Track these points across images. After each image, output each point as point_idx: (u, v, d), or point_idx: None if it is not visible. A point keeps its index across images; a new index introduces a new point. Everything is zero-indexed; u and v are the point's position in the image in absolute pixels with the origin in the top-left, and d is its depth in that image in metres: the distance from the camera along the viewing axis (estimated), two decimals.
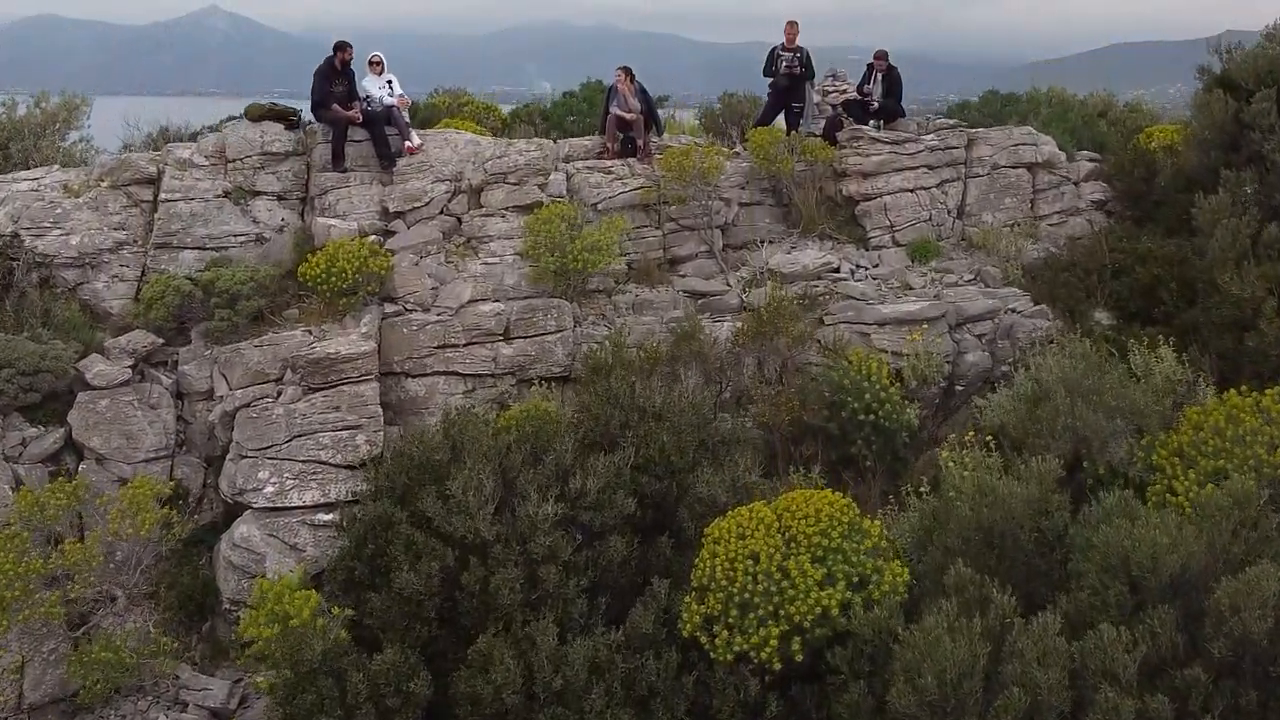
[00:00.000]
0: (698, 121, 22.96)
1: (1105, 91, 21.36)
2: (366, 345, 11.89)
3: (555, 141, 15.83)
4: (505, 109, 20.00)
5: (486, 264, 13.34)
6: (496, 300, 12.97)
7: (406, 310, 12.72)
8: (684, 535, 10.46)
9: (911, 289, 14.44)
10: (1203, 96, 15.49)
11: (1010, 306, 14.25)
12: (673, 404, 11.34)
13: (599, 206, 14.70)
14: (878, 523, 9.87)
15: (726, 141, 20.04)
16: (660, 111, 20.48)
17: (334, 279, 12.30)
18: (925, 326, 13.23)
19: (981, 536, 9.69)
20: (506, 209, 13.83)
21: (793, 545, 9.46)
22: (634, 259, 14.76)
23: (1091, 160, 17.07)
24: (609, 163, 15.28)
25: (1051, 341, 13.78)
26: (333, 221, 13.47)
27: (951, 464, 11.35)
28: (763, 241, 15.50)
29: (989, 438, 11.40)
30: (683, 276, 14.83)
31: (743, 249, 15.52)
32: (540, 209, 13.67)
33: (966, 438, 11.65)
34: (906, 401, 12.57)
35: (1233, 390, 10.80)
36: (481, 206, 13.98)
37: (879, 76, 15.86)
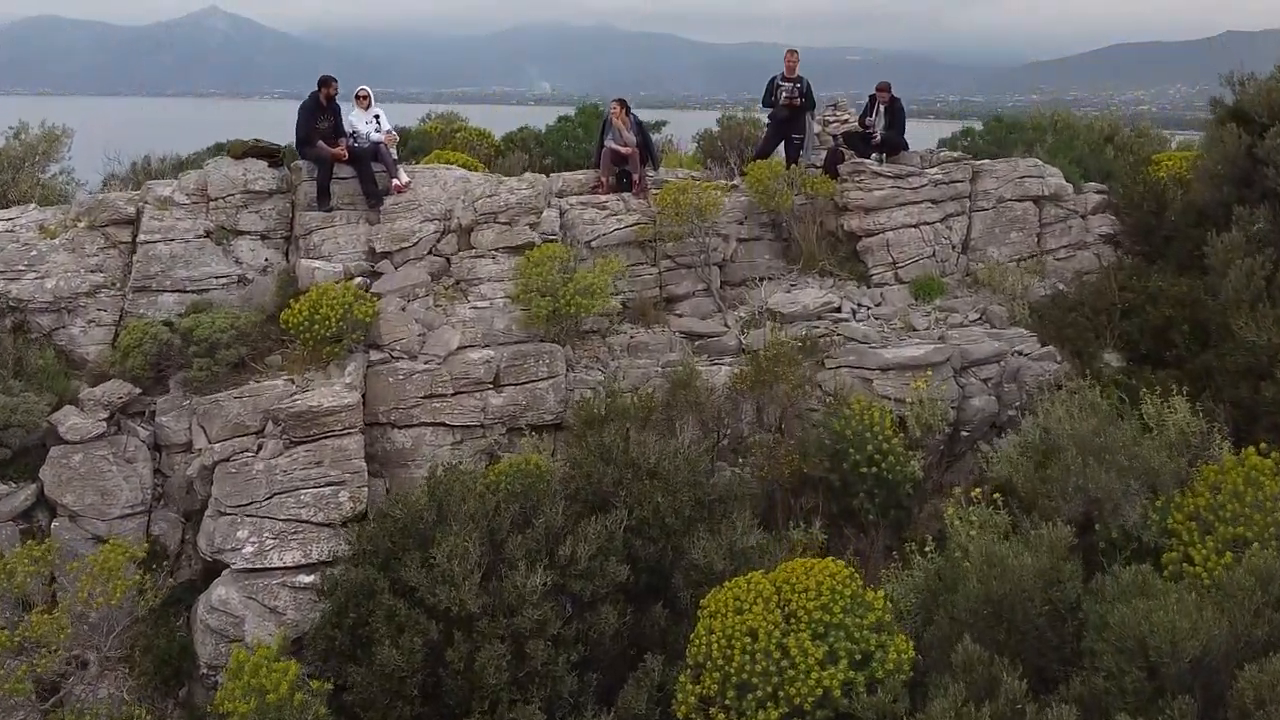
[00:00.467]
0: (696, 143, 22.57)
1: (1111, 110, 20.88)
2: (350, 397, 11.45)
3: (548, 175, 15.39)
4: (498, 135, 19.54)
5: (476, 308, 12.91)
6: (486, 346, 12.54)
7: (393, 358, 12.28)
8: (679, 604, 10.03)
9: (915, 330, 14.01)
10: (1214, 129, 15.06)
11: (1017, 349, 13.83)
12: (668, 460, 10.92)
13: (593, 244, 14.28)
14: (880, 593, 9.43)
15: (725, 168, 19.64)
16: (656, 137, 20.15)
17: (317, 327, 11.86)
18: (929, 373, 12.79)
19: (990, 610, 9.26)
20: (497, 250, 13.40)
21: (793, 621, 9.03)
22: (629, 297, 14.34)
23: (1099, 192, 16.64)
24: (603, 198, 14.86)
25: (1060, 387, 13.38)
26: (317, 263, 13.04)
27: (957, 521, 10.94)
28: (762, 279, 15.07)
29: (996, 495, 11.00)
30: (679, 316, 14.41)
31: (741, 286, 15.09)
32: (532, 250, 13.23)
33: (973, 494, 11.23)
34: (910, 452, 12.14)
35: (1251, 449, 10.37)
36: (471, 247, 13.55)
37: (881, 108, 15.42)
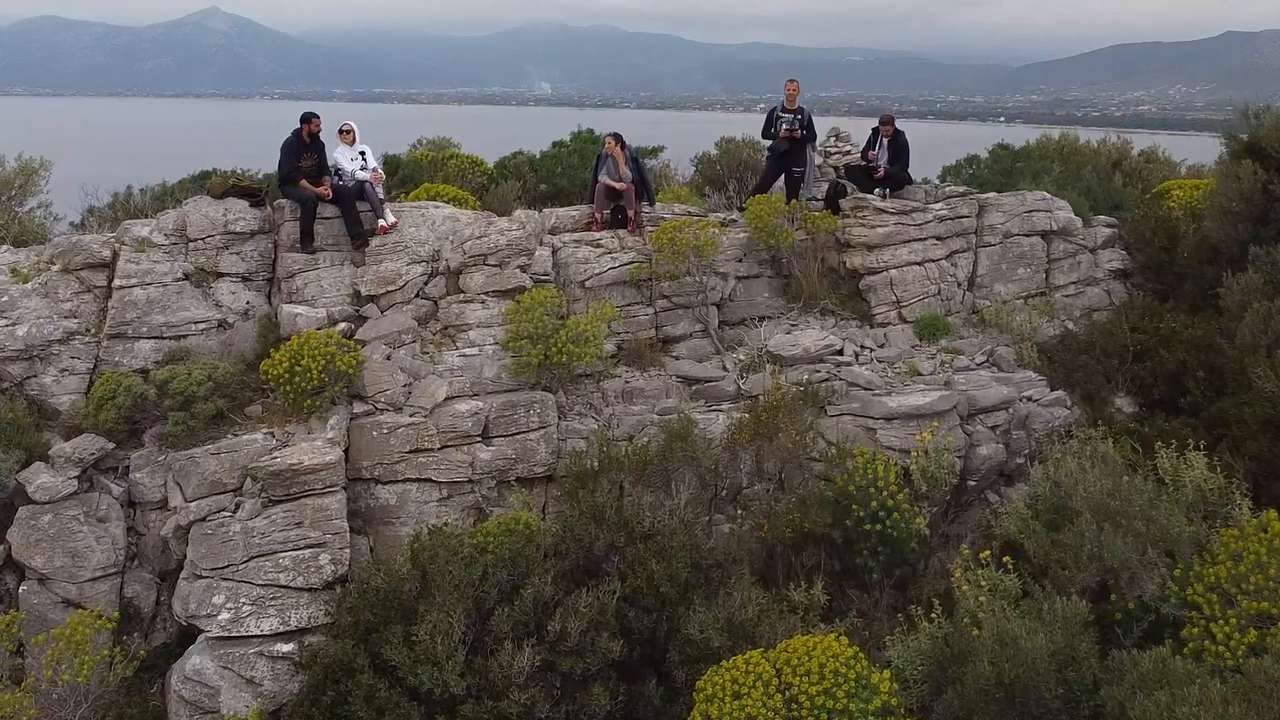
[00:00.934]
0: (695, 166, 22.09)
1: (1120, 140, 20.40)
2: (332, 454, 10.98)
3: (540, 211, 14.91)
4: (492, 159, 19.05)
5: (464, 355, 12.43)
6: (475, 396, 12.06)
7: (377, 410, 11.80)
8: (674, 681, 9.56)
9: (920, 374, 13.52)
10: (1230, 165, 14.57)
11: (1025, 394, 13.36)
12: (663, 521, 10.44)
13: (587, 284, 13.81)
14: (886, 674, 8.96)
15: (723, 195, 19.17)
16: (651, 163, 19.67)
17: (298, 379, 11.38)
18: (936, 424, 12.31)
19: (1002, 693, 8.78)
20: (487, 293, 12.91)
21: (794, 707, 8.57)
22: (624, 338, 13.87)
23: (1109, 225, 16.15)
24: (597, 235, 14.38)
25: (1070, 433, 12.92)
26: (300, 309, 12.57)
27: (965, 585, 10.48)
28: (761, 318, 14.61)
29: (1006, 558, 10.52)
30: (676, 358, 13.93)
31: (740, 325, 14.62)
32: (522, 295, 12.75)
33: (982, 555, 10.76)
34: (916, 505, 11.66)
35: (1271, 513, 9.89)
36: (460, 291, 13.06)
37: (884, 142, 14.92)
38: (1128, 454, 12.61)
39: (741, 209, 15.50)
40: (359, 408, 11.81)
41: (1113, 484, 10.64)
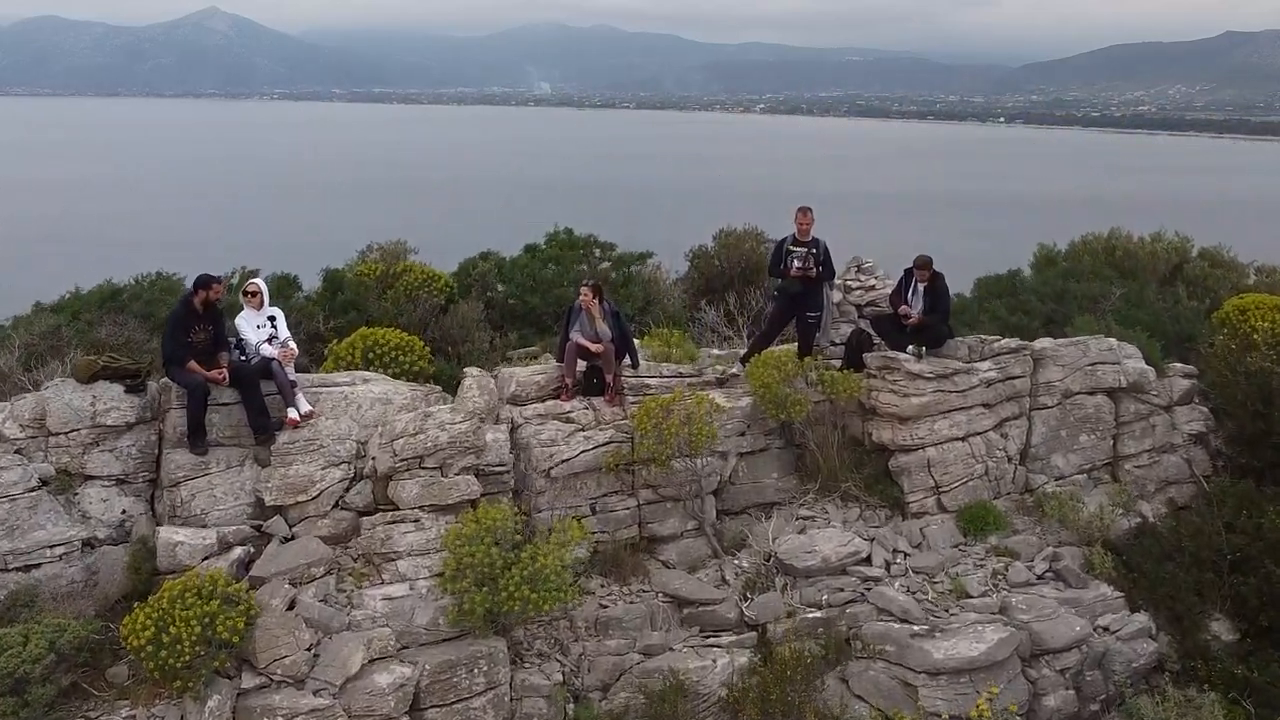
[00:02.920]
0: (690, 261, 19.38)
1: (1178, 237, 17.69)
2: None
3: (498, 372, 12.22)
4: (449, 271, 16.36)
5: (390, 598, 9.73)
6: (401, 659, 9.37)
7: (272, 683, 9.10)
8: None
9: (969, 596, 10.83)
10: None
11: (1100, 621, 10.71)
12: None
13: (553, 473, 11.13)
14: None
15: (721, 312, 16.48)
16: (638, 269, 17.01)
17: (165, 654, 8.69)
18: (995, 689, 9.63)
19: None
20: (423, 508, 10.20)
21: None
22: (600, 538, 11.20)
23: (1187, 376, 13.42)
24: (568, 406, 11.70)
25: (1162, 668, 10.31)
26: (181, 535, 9.87)
27: None
28: (770, 505, 11.93)
29: None
30: (664, 566, 11.26)
31: (744, 514, 11.95)
32: (465, 512, 10.06)
33: None
34: None
35: None
36: (390, 503, 10.36)
37: (920, 287, 12.18)
38: (1232, 709, 10.01)
39: (744, 360, 12.79)
40: (249, 680, 9.09)
41: None
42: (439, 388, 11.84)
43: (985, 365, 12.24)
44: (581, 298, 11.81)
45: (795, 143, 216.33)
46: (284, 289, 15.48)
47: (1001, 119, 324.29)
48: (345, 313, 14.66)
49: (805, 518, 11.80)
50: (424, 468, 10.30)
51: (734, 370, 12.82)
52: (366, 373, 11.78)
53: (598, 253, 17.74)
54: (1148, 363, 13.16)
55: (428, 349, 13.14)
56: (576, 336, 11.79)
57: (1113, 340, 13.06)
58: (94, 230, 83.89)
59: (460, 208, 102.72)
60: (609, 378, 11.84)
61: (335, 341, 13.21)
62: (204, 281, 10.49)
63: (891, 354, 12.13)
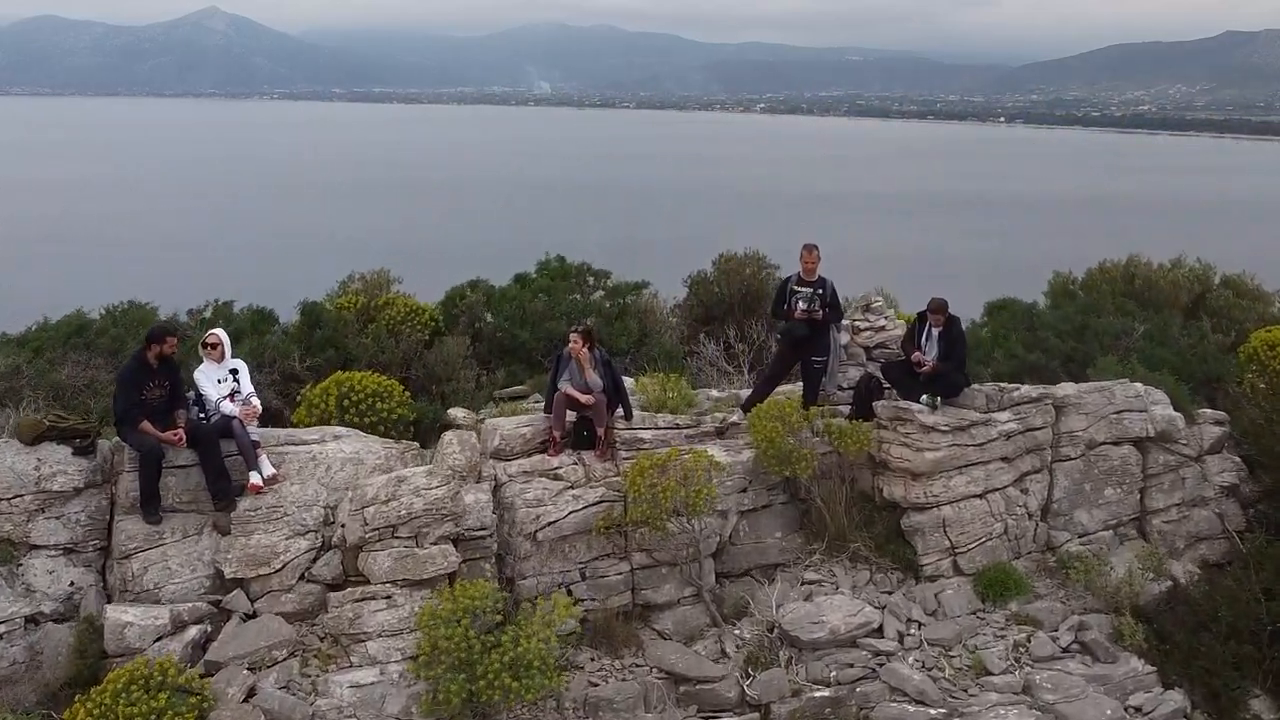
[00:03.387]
0: (687, 286, 18.54)
1: (1200, 264, 16.86)
2: None
3: (480, 425, 11.40)
4: (436, 301, 15.53)
5: (359, 685, 8.90)
6: None
7: None
8: None
9: (990, 672, 9.99)
10: None
11: (1131, 700, 9.87)
12: None
13: (539, 536, 10.31)
14: None
15: (721, 346, 15.66)
16: (633, 299, 16.20)
17: None
18: None
19: None
20: (395, 582, 9.37)
21: None
22: (590, 606, 10.38)
23: (1217, 423, 12.59)
24: (555, 462, 10.88)
25: None
26: (130, 614, 9.06)
27: None
28: (773, 567, 11.11)
29: None
30: (658, 636, 10.44)
31: (745, 577, 11.12)
32: (442, 588, 9.23)
33: None
34: None
35: None
36: (360, 576, 9.53)
37: (934, 333, 11.34)
38: None
39: (745, 408, 11.96)
40: None
41: None
42: (416, 444, 11.03)
43: (1004, 416, 11.40)
44: (571, 345, 10.98)
45: (795, 143, 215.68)
46: (259, 324, 14.64)
47: (1002, 119, 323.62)
48: (323, 350, 13.81)
49: (811, 582, 10.97)
50: (397, 537, 9.47)
51: (734, 418, 11.98)
52: (337, 428, 10.94)
53: (591, 280, 16.91)
54: (1176, 408, 12.33)
55: (407, 394, 12.30)
56: (565, 386, 10.96)
57: (1139, 385, 12.23)
58: (94, 230, 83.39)
59: (460, 208, 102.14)
60: (600, 431, 11.03)
61: (310, 385, 12.39)
62: (158, 334, 9.65)
63: (904, 404, 11.28)
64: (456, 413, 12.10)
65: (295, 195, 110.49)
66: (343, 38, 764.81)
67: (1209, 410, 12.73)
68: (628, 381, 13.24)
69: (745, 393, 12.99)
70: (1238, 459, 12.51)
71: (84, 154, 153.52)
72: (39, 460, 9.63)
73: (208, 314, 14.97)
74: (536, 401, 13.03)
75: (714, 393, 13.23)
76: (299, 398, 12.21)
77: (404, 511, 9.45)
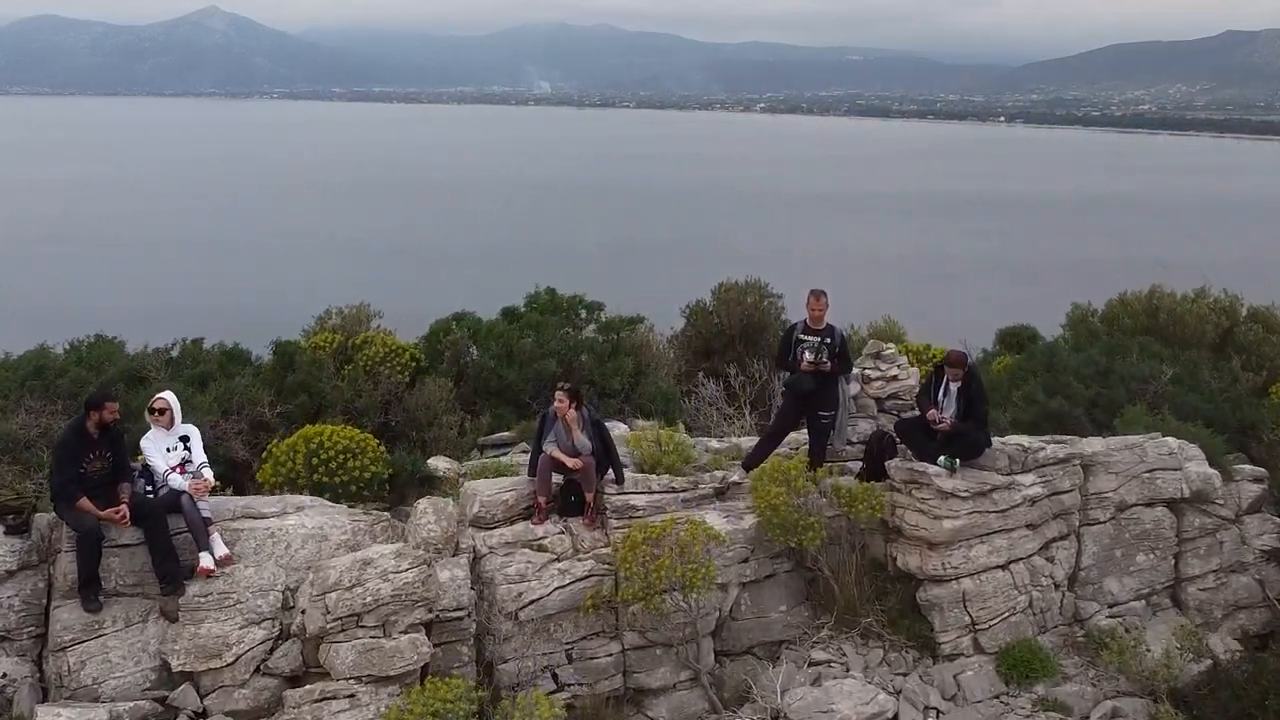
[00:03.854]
0: (685, 316, 17.66)
1: (1226, 295, 15.95)
2: None
3: (460, 489, 10.49)
4: (414, 339, 14.62)
5: None
6: None
7: None
8: None
9: None
10: None
11: None
12: None
13: (521, 615, 9.41)
14: None
15: (720, 386, 14.75)
16: (627, 335, 15.28)
17: None
18: None
19: None
20: (359, 678, 8.46)
21: None
22: (577, 692, 9.49)
23: (1256, 480, 11.67)
24: (540, 531, 9.98)
25: None
26: (63, 717, 8.13)
27: None
28: (777, 646, 10.19)
29: None
30: None
31: (748, 655, 10.22)
32: (411, 686, 8.32)
33: None
34: None
35: None
36: (321, 669, 8.62)
37: (953, 388, 10.42)
38: None
39: (747, 466, 11.05)
40: None
41: None
42: (387, 515, 10.10)
43: (1029, 479, 10.49)
44: (556, 404, 10.07)
45: (795, 143, 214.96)
46: (228, 365, 13.72)
47: (1002, 118, 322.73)
48: (295, 395, 12.91)
49: (820, 662, 10.06)
50: (362, 627, 8.55)
51: (735, 477, 11.06)
52: (301, 498, 10.02)
53: (584, 314, 16.00)
54: (1211, 464, 11.42)
55: (382, 448, 11.39)
56: (551, 449, 10.06)
57: (1172, 441, 11.32)
58: (94, 230, 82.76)
59: (460, 208, 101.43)
60: (589, 496, 10.12)
61: (278, 438, 11.49)
62: (98, 400, 8.74)
63: (919, 466, 10.36)
64: (438, 463, 11.24)
65: (295, 195, 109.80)
66: (343, 37, 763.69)
67: (1247, 466, 11.81)
68: (620, 431, 12.38)
69: (747, 441, 12.11)
70: (1278, 520, 11.60)
71: (84, 154, 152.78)
72: None
73: (175, 353, 14.06)
74: (524, 450, 12.17)
75: (713, 443, 12.32)
76: (265, 453, 11.31)
77: (370, 599, 8.53)
